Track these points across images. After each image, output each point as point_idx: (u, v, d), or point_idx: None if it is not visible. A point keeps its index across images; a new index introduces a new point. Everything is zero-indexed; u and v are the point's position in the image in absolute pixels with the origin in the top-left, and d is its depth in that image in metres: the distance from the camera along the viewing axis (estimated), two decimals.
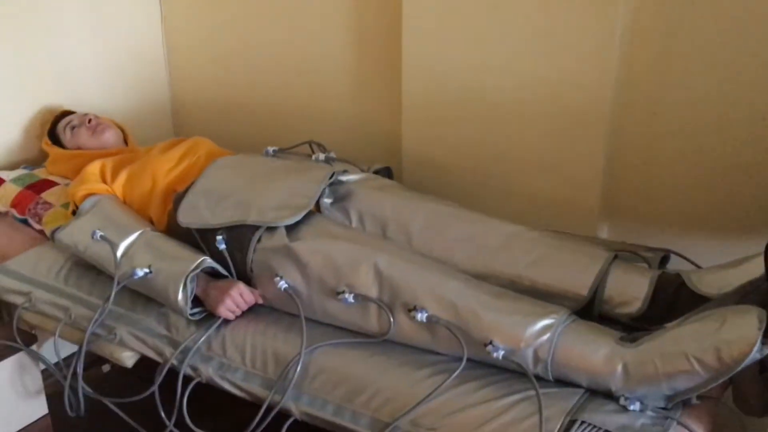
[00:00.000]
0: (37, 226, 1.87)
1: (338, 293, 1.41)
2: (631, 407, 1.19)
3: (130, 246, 1.59)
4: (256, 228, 1.53)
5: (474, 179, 1.91)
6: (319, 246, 1.46)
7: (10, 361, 1.65)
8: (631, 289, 1.40)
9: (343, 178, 1.68)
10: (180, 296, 1.47)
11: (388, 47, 1.98)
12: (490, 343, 1.27)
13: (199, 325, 1.51)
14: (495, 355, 1.27)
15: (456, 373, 1.28)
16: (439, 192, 1.82)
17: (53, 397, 1.77)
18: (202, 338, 1.47)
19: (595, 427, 1.15)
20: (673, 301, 1.36)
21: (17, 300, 1.67)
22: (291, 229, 1.53)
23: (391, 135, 2.07)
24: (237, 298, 1.48)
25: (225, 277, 1.54)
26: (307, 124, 2.24)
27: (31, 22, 2.09)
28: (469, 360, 1.30)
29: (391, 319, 1.37)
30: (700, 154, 1.66)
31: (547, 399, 1.20)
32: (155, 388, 1.47)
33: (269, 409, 1.36)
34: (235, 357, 1.44)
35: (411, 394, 1.27)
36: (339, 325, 1.45)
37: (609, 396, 1.22)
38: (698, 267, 1.52)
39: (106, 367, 2.04)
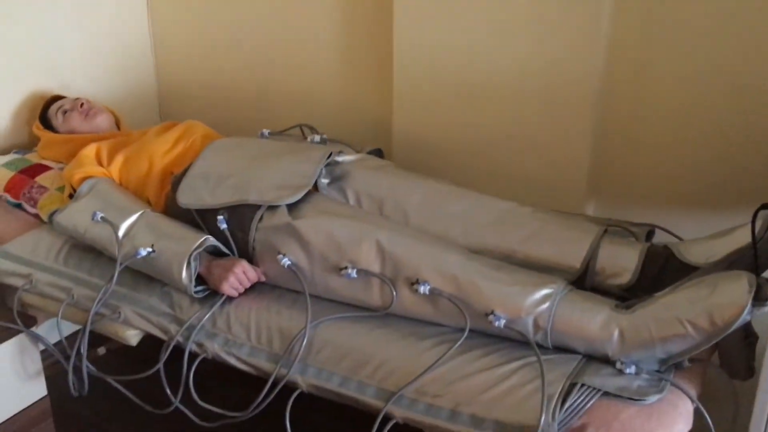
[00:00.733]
0: (32, 210, 1.87)
1: (341, 269, 1.45)
2: (627, 371, 1.25)
3: (131, 226, 1.61)
4: (257, 207, 1.56)
5: (464, 160, 1.96)
6: (321, 223, 1.49)
7: (9, 344, 1.65)
8: (621, 260, 1.45)
9: (339, 158, 1.72)
10: (184, 274, 1.49)
11: (379, 30, 2.01)
12: (492, 312, 1.32)
13: (203, 303, 1.53)
14: (497, 324, 1.32)
15: (459, 343, 1.33)
16: (429, 173, 1.86)
17: (52, 378, 1.79)
18: (207, 315, 1.50)
19: (594, 389, 1.21)
20: (662, 271, 1.42)
21: (17, 282, 1.68)
22: (292, 207, 1.56)
23: (382, 117, 2.10)
24: (240, 275, 1.51)
25: (227, 255, 1.57)
26: (296, 108, 2.27)
27: (18, 7, 2.08)
28: (471, 330, 1.35)
29: (394, 293, 1.41)
30: (684, 133, 1.72)
31: (547, 364, 1.25)
32: (160, 365, 1.49)
33: (276, 382, 1.40)
34: (240, 333, 1.47)
35: (415, 364, 1.32)
36: (342, 300, 1.49)
37: (606, 361, 1.28)
38: (682, 241, 1.59)
39: (101, 350, 2.05)
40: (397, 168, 1.75)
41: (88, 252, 1.69)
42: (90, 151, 1.84)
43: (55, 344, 1.65)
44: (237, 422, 1.44)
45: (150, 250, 1.54)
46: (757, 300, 1.17)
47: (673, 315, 1.22)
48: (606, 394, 1.20)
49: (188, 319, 1.50)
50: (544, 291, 1.32)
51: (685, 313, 1.21)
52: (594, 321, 1.28)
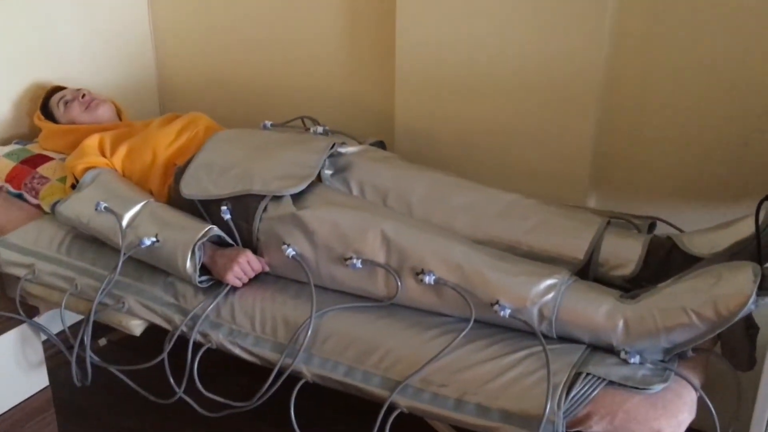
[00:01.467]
0: (33, 201, 1.87)
1: (346, 259, 1.45)
2: (632, 360, 1.25)
3: (134, 216, 1.61)
4: (262, 197, 1.56)
5: (466, 153, 1.96)
6: (326, 214, 1.49)
7: (11, 334, 1.65)
8: (624, 252, 1.46)
9: (343, 149, 1.72)
10: (188, 264, 1.49)
11: (381, 22, 2.01)
12: (497, 302, 1.33)
13: (207, 293, 1.53)
14: (502, 314, 1.32)
15: (464, 332, 1.33)
16: (431, 166, 1.86)
17: (54, 369, 1.79)
18: (211, 305, 1.50)
19: (599, 378, 1.21)
20: (665, 262, 1.43)
21: (19, 272, 1.68)
22: (296, 198, 1.57)
23: (384, 110, 2.10)
24: (245, 265, 1.51)
25: (231, 246, 1.57)
26: (297, 100, 2.26)
27: None
28: (476, 320, 1.36)
29: (399, 283, 1.42)
30: (686, 126, 1.73)
31: (552, 354, 1.26)
32: (165, 355, 1.50)
33: (280, 372, 1.40)
34: (244, 323, 1.47)
35: (421, 354, 1.32)
36: (346, 290, 1.49)
37: (610, 351, 1.29)
38: (684, 232, 1.59)
39: (102, 341, 2.06)
40: (401, 159, 1.76)
41: (91, 242, 1.69)
42: (93, 141, 1.83)
43: (57, 334, 1.65)
44: (241, 412, 1.44)
45: (154, 239, 1.54)
46: (762, 290, 1.18)
47: (677, 305, 1.23)
48: (611, 383, 1.21)
49: (192, 309, 1.50)
50: (549, 281, 1.33)
51: (690, 302, 1.22)
52: (599, 311, 1.29)
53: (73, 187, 1.79)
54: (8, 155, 1.96)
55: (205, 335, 1.49)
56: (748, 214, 1.34)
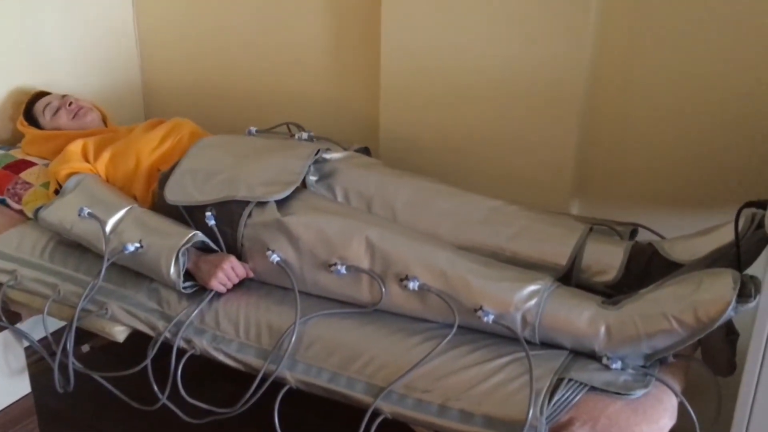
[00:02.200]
0: (16, 206, 1.86)
1: (330, 265, 1.45)
2: (613, 366, 1.26)
3: (118, 222, 1.61)
4: (246, 203, 1.56)
5: (450, 159, 1.97)
6: (311, 220, 1.50)
7: None
8: (607, 258, 1.47)
9: (327, 156, 1.72)
10: (172, 270, 1.49)
11: (367, 28, 2.02)
12: (480, 308, 1.34)
13: (191, 299, 1.53)
14: (485, 320, 1.33)
15: (448, 338, 1.34)
16: (416, 172, 1.87)
17: (36, 376, 1.78)
18: (195, 311, 1.49)
19: (581, 384, 1.22)
20: (646, 268, 1.45)
21: (2, 278, 1.66)
22: (281, 204, 1.57)
23: (369, 116, 2.11)
24: (229, 271, 1.51)
25: (215, 251, 1.57)
26: (282, 105, 2.27)
27: (3, 3, 2.06)
28: (459, 326, 1.36)
29: (383, 289, 1.42)
30: (668, 134, 1.75)
31: (535, 360, 1.27)
32: (148, 362, 1.49)
33: (264, 378, 1.40)
34: (228, 329, 1.47)
35: (405, 360, 1.33)
36: (331, 296, 1.50)
37: (592, 356, 1.30)
38: (665, 239, 1.61)
39: (85, 348, 2.04)
40: (386, 166, 1.76)
41: (74, 248, 1.68)
42: (76, 146, 1.83)
43: (40, 341, 1.64)
44: (225, 419, 1.44)
45: (138, 245, 1.54)
46: (742, 297, 1.19)
47: (658, 311, 1.24)
48: (593, 388, 1.22)
49: (176, 316, 1.50)
50: (532, 287, 1.34)
51: (671, 309, 1.23)
52: (581, 317, 1.30)
53: (57, 192, 1.78)
54: None
55: (189, 341, 1.49)
56: (729, 221, 1.35)
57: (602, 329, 1.28)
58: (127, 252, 1.54)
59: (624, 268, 1.45)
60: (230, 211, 1.56)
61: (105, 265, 1.56)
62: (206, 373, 1.66)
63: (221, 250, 1.57)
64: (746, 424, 1.23)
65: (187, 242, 1.51)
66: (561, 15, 1.71)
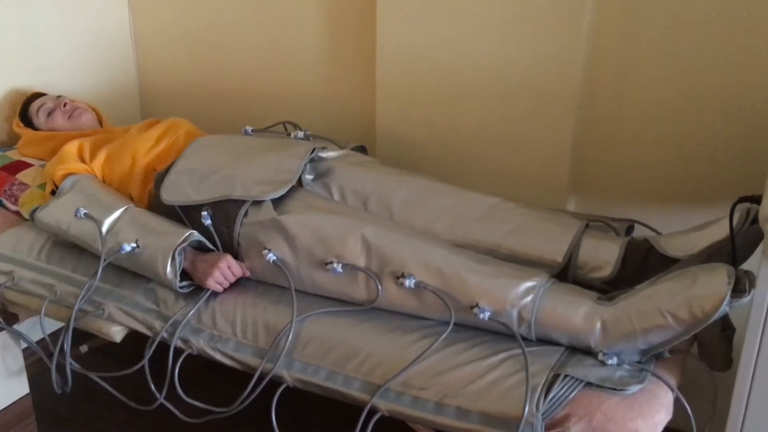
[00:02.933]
0: (13, 207, 1.86)
1: (326, 264, 1.46)
2: (609, 362, 1.27)
3: (114, 222, 1.61)
4: (242, 202, 1.56)
5: (446, 157, 1.98)
6: (307, 219, 1.50)
7: None
8: (603, 254, 1.48)
9: (324, 154, 1.72)
10: (169, 269, 1.49)
11: (363, 27, 2.02)
12: (477, 305, 1.34)
13: (187, 299, 1.53)
14: (481, 317, 1.33)
15: (444, 336, 1.34)
16: (413, 170, 1.87)
17: (34, 376, 1.78)
18: (192, 311, 1.50)
19: (577, 380, 1.23)
20: (642, 264, 1.45)
21: None
22: (277, 203, 1.57)
23: (365, 115, 2.11)
24: (225, 270, 1.51)
25: (211, 251, 1.57)
26: (279, 105, 2.27)
27: None
28: (456, 323, 1.37)
29: (380, 287, 1.42)
30: (663, 131, 1.75)
31: (531, 356, 1.27)
32: (145, 361, 1.49)
33: (261, 377, 1.40)
34: (225, 329, 1.47)
35: (401, 358, 1.33)
36: (327, 294, 1.50)
37: (588, 352, 1.30)
38: (661, 234, 1.61)
39: (83, 348, 2.04)
40: (382, 164, 1.76)
41: (71, 249, 1.69)
42: (72, 147, 1.83)
43: (38, 342, 1.64)
44: (223, 418, 1.44)
45: (134, 245, 1.54)
46: (736, 292, 1.19)
47: (654, 306, 1.24)
48: (589, 384, 1.22)
49: (173, 315, 1.50)
50: (528, 284, 1.34)
51: (666, 304, 1.23)
52: (577, 313, 1.30)
53: (53, 193, 1.78)
54: None
55: (185, 341, 1.49)
56: (724, 216, 1.36)
57: (598, 325, 1.28)
58: (123, 252, 1.54)
59: (620, 264, 1.46)
60: (226, 210, 1.57)
61: (101, 265, 1.56)
62: (204, 373, 1.67)
63: (217, 250, 1.57)
64: (742, 418, 1.23)
65: (183, 242, 1.51)
66: (556, 13, 1.71)
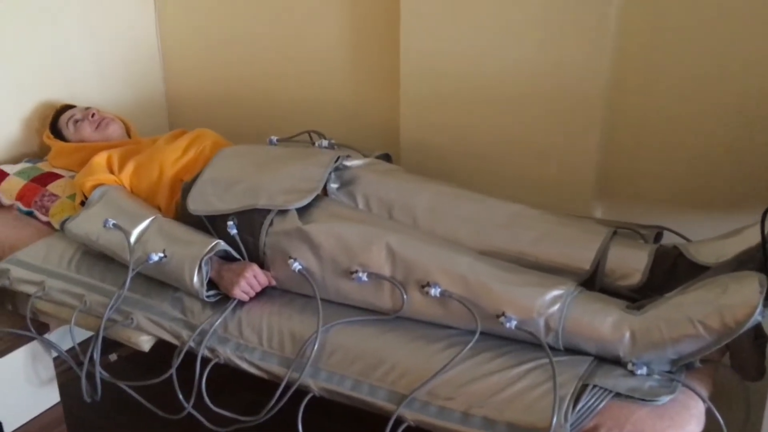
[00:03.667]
0: (44, 218, 1.89)
1: (351, 273, 1.46)
2: (639, 372, 1.25)
3: (142, 232, 1.63)
4: (267, 212, 1.57)
5: (471, 164, 1.97)
6: (332, 228, 1.50)
7: (22, 351, 1.66)
8: (631, 262, 1.46)
9: (348, 163, 1.73)
10: (195, 279, 1.51)
11: (386, 36, 2.02)
12: (503, 314, 1.33)
13: (214, 308, 1.54)
14: (508, 325, 1.32)
15: (470, 345, 1.33)
16: (437, 178, 1.87)
17: (65, 385, 1.80)
18: (219, 320, 1.50)
19: (606, 390, 1.21)
20: (671, 271, 1.43)
21: (30, 290, 1.69)
22: (302, 212, 1.57)
23: (389, 122, 2.11)
24: (251, 279, 1.52)
25: (237, 260, 1.58)
26: (303, 114, 2.28)
27: (28, 16, 2.10)
28: (482, 332, 1.36)
29: (405, 296, 1.42)
30: (691, 135, 1.73)
31: (559, 366, 1.26)
32: (173, 371, 1.50)
33: (288, 386, 1.40)
34: (251, 338, 1.48)
35: (427, 367, 1.32)
36: (352, 303, 1.50)
37: (617, 362, 1.28)
38: (691, 241, 1.59)
39: (113, 357, 2.06)
40: (406, 172, 1.76)
41: (100, 259, 1.71)
42: (101, 158, 1.85)
43: (68, 351, 1.66)
44: (250, 426, 1.45)
45: (162, 255, 1.56)
46: None
47: (684, 315, 1.22)
48: (618, 395, 1.20)
49: (200, 324, 1.51)
50: (555, 292, 1.33)
51: (696, 313, 1.21)
52: (605, 322, 1.28)
53: (83, 204, 1.81)
54: (19, 173, 1.98)
55: (212, 350, 1.50)
56: (755, 222, 1.33)
57: (627, 334, 1.26)
58: (151, 262, 1.56)
59: (649, 271, 1.44)
60: (251, 219, 1.58)
61: (130, 275, 1.57)
62: (230, 382, 1.67)
63: (243, 259, 1.58)
64: None
65: (209, 251, 1.52)
66: (581, 18, 1.70)
